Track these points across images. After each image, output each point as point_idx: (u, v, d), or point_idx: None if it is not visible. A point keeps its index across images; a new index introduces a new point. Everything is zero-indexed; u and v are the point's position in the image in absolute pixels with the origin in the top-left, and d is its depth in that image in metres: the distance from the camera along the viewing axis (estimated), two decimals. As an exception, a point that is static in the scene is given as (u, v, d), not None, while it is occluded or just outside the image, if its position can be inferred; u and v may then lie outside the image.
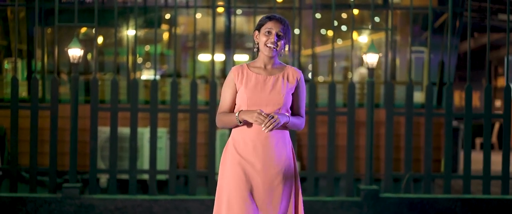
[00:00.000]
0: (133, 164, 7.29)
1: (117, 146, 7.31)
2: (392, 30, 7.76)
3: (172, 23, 9.51)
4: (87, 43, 9.25)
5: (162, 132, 8.31)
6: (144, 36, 9.92)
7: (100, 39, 9.74)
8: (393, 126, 7.46)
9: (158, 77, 9.19)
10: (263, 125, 3.60)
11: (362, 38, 10.21)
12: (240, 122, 3.70)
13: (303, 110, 3.88)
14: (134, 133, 7.30)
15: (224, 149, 3.83)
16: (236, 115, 3.70)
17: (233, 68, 3.82)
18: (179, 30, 9.86)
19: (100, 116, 7.68)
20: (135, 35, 7.48)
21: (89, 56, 9.52)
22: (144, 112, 7.48)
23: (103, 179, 8.30)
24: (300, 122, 3.85)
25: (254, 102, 3.71)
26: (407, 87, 7.48)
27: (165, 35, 10.18)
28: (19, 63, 9.27)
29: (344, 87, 9.03)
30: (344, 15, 9.92)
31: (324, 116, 7.72)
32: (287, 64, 3.92)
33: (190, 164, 7.34)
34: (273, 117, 3.60)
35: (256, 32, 3.81)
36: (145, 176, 8.12)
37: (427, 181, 7.46)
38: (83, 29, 9.53)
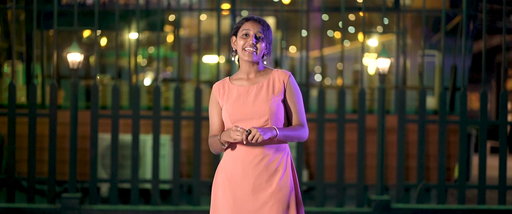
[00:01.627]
0: (135, 172, 7.08)
1: (117, 154, 7.11)
2: (404, 33, 7.54)
3: (176, 26, 9.33)
4: (91, 46, 9.06)
5: (165, 139, 8.11)
6: (147, 38, 9.74)
7: (103, 42, 9.56)
8: (405, 134, 7.21)
9: (161, 82, 8.97)
10: (244, 141, 3.19)
11: (371, 40, 10.03)
12: (223, 145, 3.30)
13: (301, 116, 3.37)
14: (136, 140, 7.08)
15: (216, 169, 3.46)
16: (218, 137, 3.30)
17: (214, 85, 3.43)
18: (183, 32, 9.68)
19: (101, 122, 7.53)
20: (137, 39, 7.25)
21: (92, 59, 9.34)
22: (146, 119, 7.28)
23: (104, 188, 8.09)
24: (298, 132, 3.33)
25: (237, 118, 3.29)
26: (420, 93, 7.22)
27: (169, 38, 10.01)
28: (20, 67, 9.11)
29: (353, 93, 8.83)
30: (351, 17, 9.73)
31: (332, 122, 7.51)
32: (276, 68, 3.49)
33: (194, 172, 7.15)
34: (250, 132, 3.16)
35: (233, 37, 3.39)
36: (148, 185, 7.91)
37: (441, 191, 7.20)
38: (87, 32, 9.35)
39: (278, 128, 3.26)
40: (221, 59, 9.05)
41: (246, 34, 3.33)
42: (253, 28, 3.33)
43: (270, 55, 3.42)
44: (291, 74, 3.39)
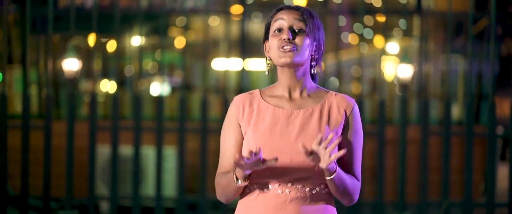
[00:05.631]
0: (136, 189, 6.77)
1: (117, 169, 6.81)
2: (427, 38, 7.17)
3: (184, 31, 8.98)
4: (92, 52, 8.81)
5: (170, 151, 7.84)
6: (154, 43, 9.47)
7: (111, 47, 9.31)
8: (428, 147, 6.82)
9: (166, 91, 8.64)
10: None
11: (389, 45, 9.73)
12: (238, 180, 2.22)
13: (358, 168, 2.32)
14: (137, 154, 6.78)
15: None
16: (233, 171, 2.23)
17: (236, 97, 2.34)
18: (194, 36, 9.38)
19: (102, 133, 7.19)
20: (140, 46, 6.89)
21: (97, 65, 9.10)
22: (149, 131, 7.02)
23: (105, 205, 7.81)
24: (352, 184, 2.26)
25: (269, 154, 2.20)
26: (445, 104, 6.83)
27: (177, 42, 9.74)
28: (19, 74, 8.87)
29: (372, 99, 8.46)
30: (368, 22, 9.40)
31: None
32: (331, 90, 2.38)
33: (200, 189, 6.90)
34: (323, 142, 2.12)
35: (266, 42, 2.34)
36: (151, 203, 7.60)
37: (468, 209, 6.77)
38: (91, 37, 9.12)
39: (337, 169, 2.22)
40: (233, 66, 8.69)
41: (279, 29, 2.28)
42: (288, 18, 2.27)
43: (320, 62, 2.36)
44: (356, 104, 2.33)
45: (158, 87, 9.69)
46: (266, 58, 2.33)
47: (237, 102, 2.31)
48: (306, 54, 2.27)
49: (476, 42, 8.63)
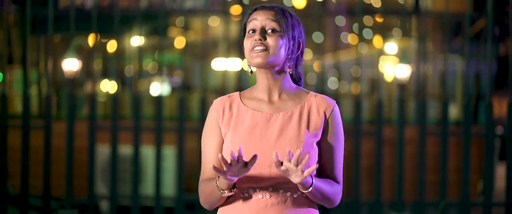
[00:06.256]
0: (135, 188, 6.75)
1: (116, 168, 6.79)
2: (425, 39, 7.16)
3: (183, 31, 8.98)
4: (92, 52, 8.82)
5: (169, 151, 7.81)
6: (154, 43, 9.47)
7: (112, 47, 9.31)
8: (425, 147, 6.82)
9: (165, 90, 8.63)
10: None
11: (387, 46, 9.72)
12: (222, 191, 2.17)
13: (339, 170, 2.26)
14: (137, 154, 6.77)
15: None
16: (216, 179, 2.18)
17: (216, 101, 2.30)
18: (194, 37, 9.38)
19: (101, 133, 7.18)
20: (140, 46, 6.90)
21: (98, 66, 9.09)
22: (148, 131, 7.01)
23: (105, 204, 7.81)
24: (332, 190, 2.21)
25: (248, 158, 2.14)
26: (443, 105, 6.82)
27: (177, 42, 9.73)
28: (19, 74, 8.88)
29: (371, 99, 8.46)
30: (367, 22, 9.39)
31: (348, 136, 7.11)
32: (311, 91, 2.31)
33: None
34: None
35: (245, 41, 2.29)
36: (150, 202, 7.60)
37: (466, 209, 6.76)
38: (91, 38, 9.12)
39: (314, 178, 2.16)
40: (231, 66, 8.68)
41: (253, 30, 2.23)
42: (261, 19, 2.22)
43: (300, 62, 2.29)
44: (336, 105, 2.27)
45: (158, 88, 9.71)
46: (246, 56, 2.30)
47: (217, 106, 2.26)
48: (280, 54, 2.20)
49: (474, 42, 8.62)
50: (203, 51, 7.52)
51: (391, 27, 9.52)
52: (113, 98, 6.76)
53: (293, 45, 2.23)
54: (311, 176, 2.12)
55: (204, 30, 7.33)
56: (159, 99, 6.84)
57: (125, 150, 7.55)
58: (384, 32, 9.14)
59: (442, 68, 7.34)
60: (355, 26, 8.80)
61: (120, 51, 7.20)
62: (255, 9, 2.25)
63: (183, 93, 6.94)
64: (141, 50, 7.03)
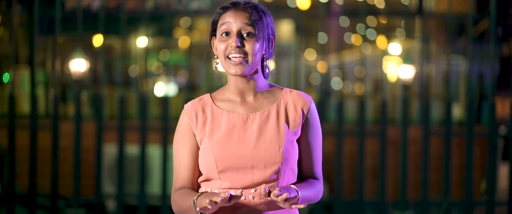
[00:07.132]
0: (142, 187, 6.79)
1: (123, 168, 6.82)
2: (428, 39, 7.21)
3: (188, 32, 9.05)
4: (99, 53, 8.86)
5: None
6: (160, 44, 9.51)
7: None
8: (429, 147, 6.86)
9: (172, 91, 8.68)
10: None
11: (391, 46, 9.75)
12: (199, 212, 2.07)
13: (319, 166, 2.20)
14: (143, 153, 6.81)
15: None
16: (194, 199, 2.06)
17: (186, 105, 2.19)
18: (196, 37, 9.41)
19: (110, 132, 7.23)
20: (146, 47, 6.95)
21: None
22: (155, 131, 7.05)
23: (112, 204, 7.85)
24: (315, 192, 2.15)
25: (228, 165, 2.09)
26: (447, 105, 6.86)
27: (181, 43, 9.77)
28: (26, 74, 8.92)
29: (374, 100, 8.50)
30: (370, 23, 9.43)
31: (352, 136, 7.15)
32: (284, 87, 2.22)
33: None
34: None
35: (213, 38, 2.20)
36: (157, 201, 7.63)
37: (469, 208, 6.80)
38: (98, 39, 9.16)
39: (297, 187, 2.08)
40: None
41: (227, 33, 2.12)
42: (236, 21, 2.11)
43: (271, 56, 2.20)
44: (312, 100, 2.19)
45: (163, 88, 9.73)
46: (214, 55, 2.19)
47: (189, 110, 2.15)
48: (257, 59, 2.12)
49: (477, 43, 8.65)
50: (208, 51, 7.58)
51: (395, 28, 9.54)
52: (120, 99, 6.81)
53: (268, 46, 2.16)
54: (297, 190, 2.05)
55: (208, 31, 7.37)
56: (165, 99, 6.87)
57: (132, 149, 7.59)
58: (388, 33, 9.17)
59: (446, 68, 7.36)
60: (359, 26, 8.85)
61: (126, 52, 7.28)
62: (227, 8, 2.14)
63: (189, 93, 6.97)
64: (147, 50, 7.07)
